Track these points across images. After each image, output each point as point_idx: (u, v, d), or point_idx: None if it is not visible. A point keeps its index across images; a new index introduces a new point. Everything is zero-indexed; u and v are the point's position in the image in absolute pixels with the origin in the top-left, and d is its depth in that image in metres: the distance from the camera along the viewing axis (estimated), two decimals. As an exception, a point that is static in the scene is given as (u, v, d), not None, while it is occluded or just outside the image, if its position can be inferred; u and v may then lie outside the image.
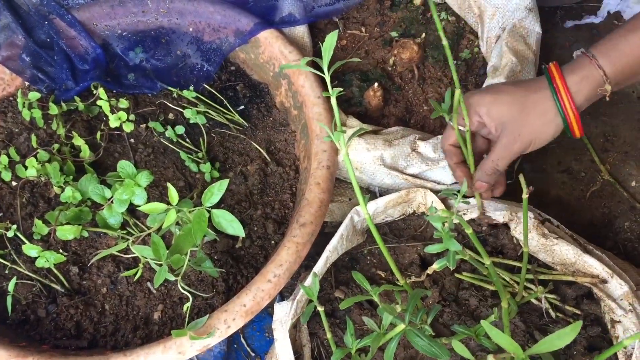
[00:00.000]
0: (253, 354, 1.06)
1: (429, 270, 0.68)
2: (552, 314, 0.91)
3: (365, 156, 0.98)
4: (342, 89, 0.70)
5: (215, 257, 0.99)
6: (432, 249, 0.65)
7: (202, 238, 0.82)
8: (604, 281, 0.87)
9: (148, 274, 0.98)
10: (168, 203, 1.01)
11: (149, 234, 0.96)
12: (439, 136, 0.99)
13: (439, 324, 0.93)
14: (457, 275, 0.95)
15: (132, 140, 1.12)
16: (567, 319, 0.91)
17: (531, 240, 0.92)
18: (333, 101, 0.68)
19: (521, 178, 0.71)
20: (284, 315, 0.95)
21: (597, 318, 0.91)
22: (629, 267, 0.93)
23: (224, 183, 0.83)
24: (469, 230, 0.67)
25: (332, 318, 0.97)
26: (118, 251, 1.00)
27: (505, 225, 0.97)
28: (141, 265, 0.87)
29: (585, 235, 0.97)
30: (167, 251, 0.84)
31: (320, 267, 0.93)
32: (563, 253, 0.89)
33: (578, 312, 0.91)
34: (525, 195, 0.71)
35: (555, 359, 0.90)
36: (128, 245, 0.88)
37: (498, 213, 0.94)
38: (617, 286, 0.86)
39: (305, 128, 1.05)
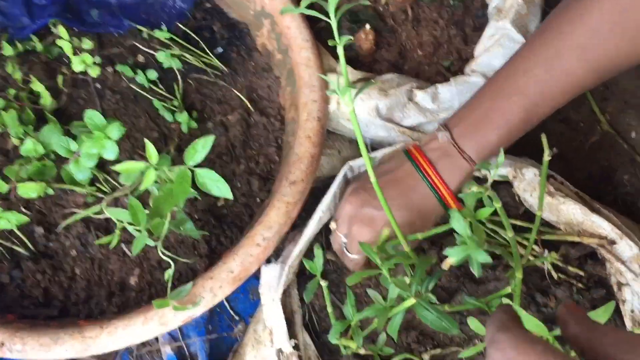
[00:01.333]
0: (237, 318, 1.00)
1: (444, 265, 0.61)
2: (554, 275, 0.87)
3: (358, 107, 0.90)
4: (351, 37, 0.61)
5: (196, 216, 0.91)
6: (451, 252, 0.58)
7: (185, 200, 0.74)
8: (613, 242, 0.83)
9: (122, 234, 0.90)
10: (143, 158, 0.92)
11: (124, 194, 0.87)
12: (438, 85, 0.91)
13: (437, 286, 0.89)
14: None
15: (98, 85, 1.01)
16: (570, 280, 0.88)
17: (536, 199, 0.86)
18: (340, 51, 0.59)
19: (544, 138, 0.65)
20: (271, 279, 0.89)
21: (600, 280, 0.88)
22: (636, 227, 0.89)
23: (209, 140, 0.74)
24: (498, 205, 0.61)
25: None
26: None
27: (507, 182, 0.91)
28: (117, 231, 0.79)
29: (584, 190, 0.92)
30: (146, 214, 0.76)
31: (312, 228, 0.87)
32: (570, 212, 0.84)
33: (581, 273, 0.87)
34: (547, 158, 0.64)
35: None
36: (101, 208, 0.79)
37: (502, 170, 0.88)
38: (627, 248, 0.82)
39: (292, 74, 0.95)
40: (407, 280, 0.65)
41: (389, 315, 0.66)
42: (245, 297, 1.03)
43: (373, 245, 0.83)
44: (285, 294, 0.87)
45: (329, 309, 0.73)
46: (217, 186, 0.74)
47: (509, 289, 0.66)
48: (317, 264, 0.69)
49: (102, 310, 0.87)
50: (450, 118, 0.83)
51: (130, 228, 0.77)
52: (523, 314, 0.54)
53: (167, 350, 0.96)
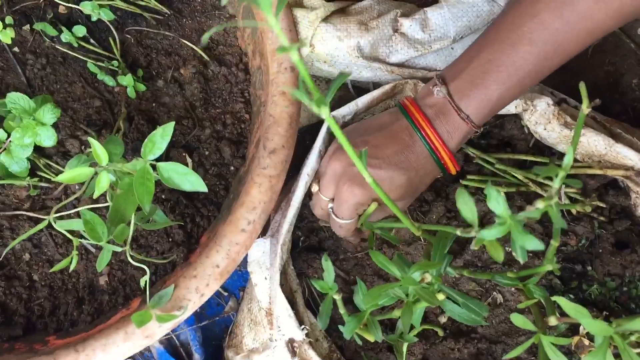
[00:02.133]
0: (226, 294, 0.90)
1: (475, 246, 0.51)
2: (573, 210, 0.79)
3: (337, 47, 0.76)
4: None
5: (163, 196, 0.78)
6: (489, 234, 0.47)
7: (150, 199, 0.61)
8: (640, 173, 0.74)
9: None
10: (88, 134, 0.77)
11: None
12: (426, 9, 0.76)
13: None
14: (462, 182, 0.80)
15: (16, 49, 0.84)
16: (591, 214, 0.79)
17: (550, 132, 0.76)
18: None
19: (582, 88, 0.53)
20: (261, 255, 0.79)
21: (623, 210, 0.80)
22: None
23: (169, 128, 0.60)
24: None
25: (319, 252, 0.80)
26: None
27: (514, 114, 0.80)
28: (75, 252, 0.66)
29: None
30: (105, 223, 0.63)
31: (299, 195, 0.75)
32: (591, 144, 0.74)
33: (602, 204, 0.79)
34: (585, 110, 0.53)
35: (581, 263, 0.79)
36: (49, 222, 0.65)
37: (509, 106, 0.76)
38: (656, 177, 0.73)
39: (250, 12, 0.79)
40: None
41: (413, 311, 0.57)
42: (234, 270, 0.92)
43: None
44: (280, 273, 0.77)
45: (342, 310, 0.63)
46: (187, 179, 0.61)
47: (548, 266, 0.57)
48: (327, 280, 0.57)
49: (73, 321, 0.76)
50: (447, 68, 0.70)
51: (89, 239, 0.64)
52: (563, 302, 0.45)
53: (155, 344, 0.86)
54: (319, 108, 0.44)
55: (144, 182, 0.60)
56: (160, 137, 0.59)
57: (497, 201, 0.48)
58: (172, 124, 0.59)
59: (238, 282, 0.92)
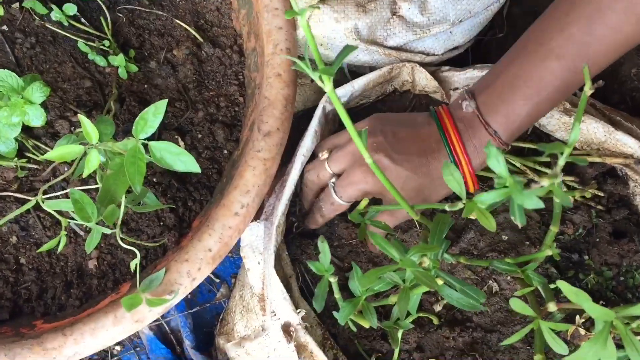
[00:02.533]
0: (217, 280, 0.89)
1: (474, 215, 0.49)
2: (571, 198, 0.78)
3: (334, 29, 0.74)
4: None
5: (155, 179, 0.77)
6: (488, 197, 0.46)
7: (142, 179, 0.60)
8: None
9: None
10: (76, 115, 0.76)
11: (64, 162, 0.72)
12: (426, -9, 0.75)
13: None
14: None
15: (4, 27, 0.82)
16: (588, 203, 0.78)
17: (550, 119, 0.75)
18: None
19: (585, 70, 0.51)
20: (254, 240, 0.77)
21: (622, 199, 0.79)
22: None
23: (161, 105, 0.58)
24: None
25: (313, 238, 0.79)
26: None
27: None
28: (63, 232, 0.64)
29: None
30: (95, 203, 0.61)
31: (294, 177, 0.74)
32: (590, 132, 0.73)
33: (600, 193, 0.78)
34: (588, 92, 0.52)
35: (578, 252, 0.78)
36: (37, 202, 0.64)
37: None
38: (656, 165, 0.72)
39: (246, -7, 0.78)
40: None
41: (411, 297, 0.56)
42: (225, 257, 0.91)
43: (364, 196, 0.71)
44: (275, 258, 0.75)
45: (337, 295, 0.62)
46: (180, 160, 0.59)
47: (547, 251, 0.56)
48: (324, 262, 0.56)
49: (61, 306, 0.74)
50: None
51: (78, 219, 0.62)
52: (572, 291, 0.44)
53: (145, 330, 0.84)
54: (324, 80, 0.42)
55: (135, 161, 0.59)
56: (153, 115, 0.58)
57: (497, 160, 0.46)
58: (165, 101, 0.58)
59: (230, 269, 0.90)
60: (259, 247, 0.78)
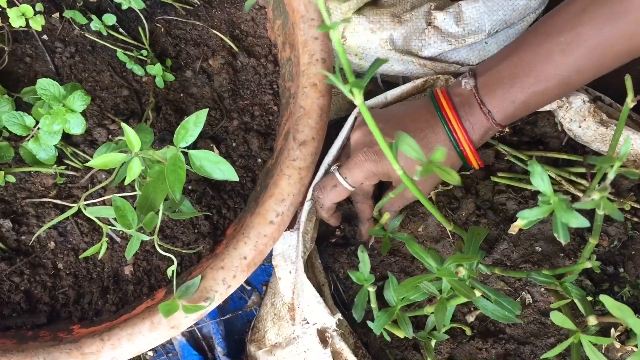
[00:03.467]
0: (249, 288, 0.90)
1: (513, 230, 0.50)
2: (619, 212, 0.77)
3: (368, 39, 0.75)
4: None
5: (190, 187, 0.78)
6: (529, 214, 0.46)
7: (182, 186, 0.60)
8: (679, 173, 0.72)
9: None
10: (115, 123, 0.77)
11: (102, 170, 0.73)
12: (461, 2, 0.75)
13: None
14: (493, 179, 0.78)
15: (45, 37, 0.83)
16: (623, 214, 0.78)
17: (586, 130, 0.74)
18: None
19: (628, 81, 0.51)
20: (287, 249, 0.78)
21: (659, 211, 0.78)
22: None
23: (202, 114, 0.59)
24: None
25: (346, 247, 0.79)
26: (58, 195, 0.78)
27: (548, 111, 0.78)
28: (104, 239, 0.65)
29: (620, 102, 0.80)
30: (135, 210, 0.62)
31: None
32: (627, 143, 0.72)
33: (636, 205, 0.77)
34: (630, 104, 0.51)
35: (613, 264, 0.78)
36: (77, 209, 0.65)
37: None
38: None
39: (281, 4, 0.79)
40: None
41: (447, 308, 0.56)
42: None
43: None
44: (308, 266, 0.76)
45: (373, 304, 0.62)
46: (219, 168, 0.60)
47: (587, 264, 0.56)
48: (364, 271, 0.56)
49: (97, 311, 0.76)
50: (481, 63, 0.69)
51: (118, 226, 0.64)
52: (611, 303, 0.44)
53: (177, 336, 0.85)
54: (354, 93, 0.43)
55: (176, 169, 0.60)
56: (194, 125, 0.59)
57: (541, 178, 0.46)
58: (205, 111, 0.59)
59: (261, 277, 0.91)
60: (291, 256, 0.78)
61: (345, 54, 0.42)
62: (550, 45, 0.63)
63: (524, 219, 0.47)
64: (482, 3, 0.73)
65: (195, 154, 0.60)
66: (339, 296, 0.79)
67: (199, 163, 0.60)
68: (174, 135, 0.59)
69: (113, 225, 0.67)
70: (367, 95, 0.84)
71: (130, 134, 0.58)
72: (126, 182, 0.59)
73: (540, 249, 0.76)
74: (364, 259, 0.56)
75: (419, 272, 0.76)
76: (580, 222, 0.42)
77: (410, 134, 0.67)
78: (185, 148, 0.60)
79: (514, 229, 0.50)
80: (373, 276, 0.57)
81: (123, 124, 0.58)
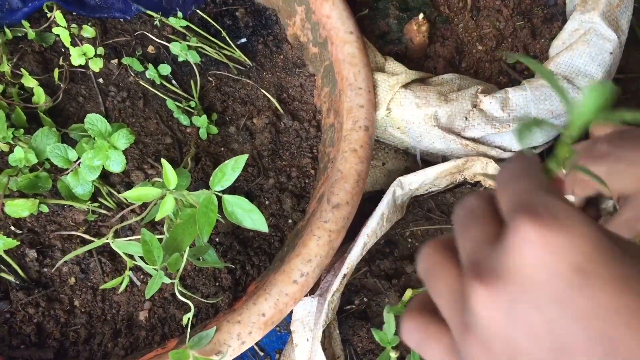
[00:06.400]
0: (262, 353, 0.87)
1: None
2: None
3: (414, 114, 0.75)
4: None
5: (217, 239, 0.77)
6: None
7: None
8: None
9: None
10: (153, 168, 0.78)
11: (133, 211, 0.73)
12: (508, 89, 0.76)
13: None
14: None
15: (100, 80, 0.87)
16: None
17: None
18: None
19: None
20: (306, 315, 0.76)
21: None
22: None
23: (241, 160, 0.59)
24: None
25: (367, 320, 0.77)
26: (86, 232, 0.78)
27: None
28: (127, 272, 0.65)
29: None
30: (162, 248, 0.61)
31: (355, 256, 0.73)
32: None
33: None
34: None
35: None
36: (101, 247, 0.65)
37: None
38: None
39: (331, 72, 0.81)
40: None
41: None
42: (272, 330, 0.89)
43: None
44: (325, 335, 0.73)
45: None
46: (250, 217, 0.60)
47: None
48: (388, 332, 0.54)
49: (105, 353, 0.74)
50: None
51: (142, 264, 0.63)
52: None
53: (181, 394, 0.82)
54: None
55: (207, 212, 0.59)
56: (232, 169, 0.59)
57: None
58: (245, 156, 0.59)
59: (276, 344, 0.88)
60: (310, 323, 0.76)
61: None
62: None
63: None
64: (529, 92, 0.74)
65: (228, 199, 0.60)
66: (355, 371, 0.75)
67: (230, 209, 0.60)
68: (211, 178, 0.59)
69: (137, 264, 0.66)
70: (405, 171, 0.84)
71: (168, 171, 0.58)
72: (157, 218, 0.59)
73: None
74: (389, 320, 0.54)
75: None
76: None
77: None
78: (219, 192, 0.60)
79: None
80: (398, 338, 0.54)
81: (163, 160, 0.58)
